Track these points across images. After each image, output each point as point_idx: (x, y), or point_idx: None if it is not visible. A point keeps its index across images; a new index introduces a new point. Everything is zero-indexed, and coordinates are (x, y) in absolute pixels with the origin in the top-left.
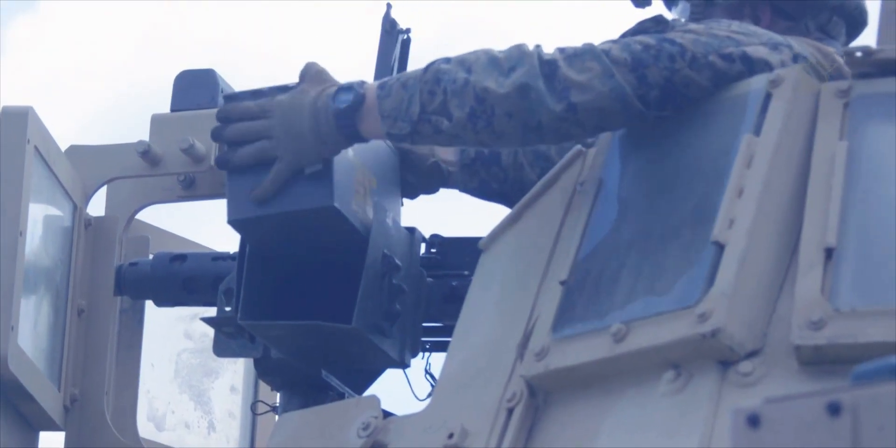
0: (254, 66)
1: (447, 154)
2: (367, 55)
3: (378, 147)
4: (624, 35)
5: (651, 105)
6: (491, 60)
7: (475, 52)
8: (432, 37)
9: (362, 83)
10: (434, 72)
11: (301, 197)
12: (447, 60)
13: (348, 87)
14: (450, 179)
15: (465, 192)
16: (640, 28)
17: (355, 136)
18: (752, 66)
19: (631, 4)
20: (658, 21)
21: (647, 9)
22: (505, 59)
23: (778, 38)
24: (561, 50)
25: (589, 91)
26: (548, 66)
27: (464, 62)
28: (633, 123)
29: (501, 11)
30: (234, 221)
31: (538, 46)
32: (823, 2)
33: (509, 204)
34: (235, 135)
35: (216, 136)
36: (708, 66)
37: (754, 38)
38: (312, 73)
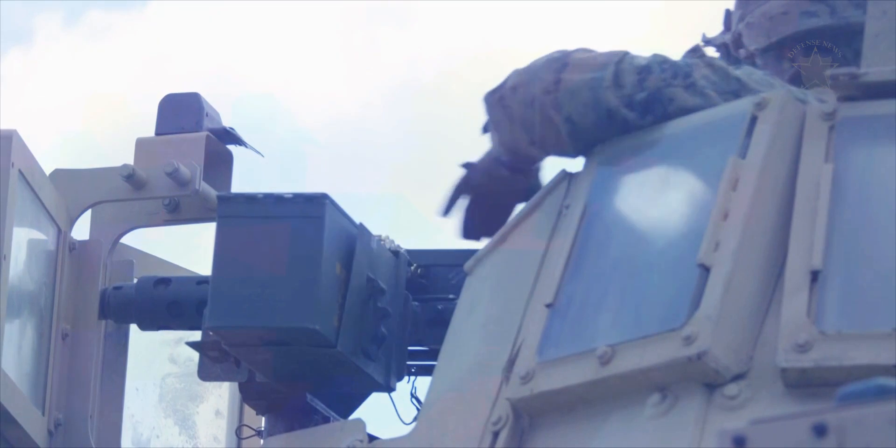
0: (244, 100)
1: None
2: (353, 81)
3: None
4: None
5: (635, 108)
6: None
7: None
8: (436, 65)
9: None
10: None
11: (283, 313)
12: None
13: None
14: None
15: None
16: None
17: None
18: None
19: None
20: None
21: None
22: None
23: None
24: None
25: (580, 72)
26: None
27: None
28: (608, 126)
29: (508, 39)
30: (213, 327)
31: None
32: None
33: None
34: None
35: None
36: (702, 94)
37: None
38: None
